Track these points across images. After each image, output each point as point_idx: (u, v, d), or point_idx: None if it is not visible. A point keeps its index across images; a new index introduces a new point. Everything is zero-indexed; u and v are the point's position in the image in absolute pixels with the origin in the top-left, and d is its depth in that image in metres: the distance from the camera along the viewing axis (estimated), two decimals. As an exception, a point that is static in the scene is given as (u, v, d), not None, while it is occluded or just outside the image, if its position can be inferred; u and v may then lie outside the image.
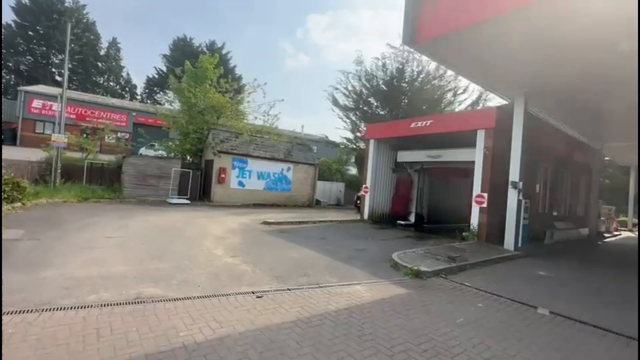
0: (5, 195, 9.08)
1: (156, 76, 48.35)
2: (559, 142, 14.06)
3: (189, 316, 3.89)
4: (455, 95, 28.08)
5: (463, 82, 26.91)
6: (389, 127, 14.79)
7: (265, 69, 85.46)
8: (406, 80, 27.64)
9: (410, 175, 14.86)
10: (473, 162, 12.02)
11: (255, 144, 18.80)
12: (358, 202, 19.40)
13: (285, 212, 15.76)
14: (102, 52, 47.13)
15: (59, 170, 12.87)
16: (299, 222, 12.35)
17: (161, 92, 49.63)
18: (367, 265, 7.02)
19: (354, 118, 30.26)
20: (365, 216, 14.48)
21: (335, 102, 30.05)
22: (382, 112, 29.14)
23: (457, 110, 27.71)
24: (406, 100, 28.09)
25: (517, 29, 6.42)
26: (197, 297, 4.49)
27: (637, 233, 19.54)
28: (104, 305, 3.98)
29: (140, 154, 20.69)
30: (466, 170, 13.44)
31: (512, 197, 9.67)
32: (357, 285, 5.60)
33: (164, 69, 48.63)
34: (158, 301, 4.24)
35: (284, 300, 4.66)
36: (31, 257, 5.65)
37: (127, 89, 47.48)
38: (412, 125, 12.82)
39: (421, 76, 27.38)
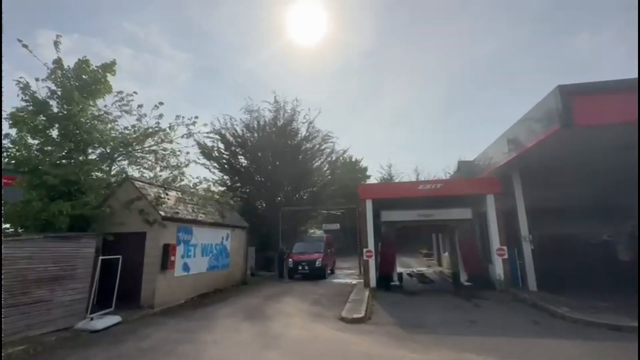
0: None
1: None
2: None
3: None
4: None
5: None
6: (387, 188, 14.95)
7: None
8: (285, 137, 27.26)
9: (394, 234, 15.09)
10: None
11: (190, 203, 12.81)
12: (298, 267, 16.88)
13: (264, 298, 11.50)
14: None
15: None
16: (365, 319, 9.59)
17: None
18: None
19: (219, 171, 26.41)
20: (373, 283, 13.12)
21: (208, 152, 25.22)
22: (245, 163, 27.27)
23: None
24: (271, 157, 27.17)
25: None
26: None
27: None
28: None
29: None
30: (446, 226, 15.48)
31: (527, 248, 12.30)
32: None
33: None
34: None
35: None
36: None
37: None
38: (420, 187, 13.58)
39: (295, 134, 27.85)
